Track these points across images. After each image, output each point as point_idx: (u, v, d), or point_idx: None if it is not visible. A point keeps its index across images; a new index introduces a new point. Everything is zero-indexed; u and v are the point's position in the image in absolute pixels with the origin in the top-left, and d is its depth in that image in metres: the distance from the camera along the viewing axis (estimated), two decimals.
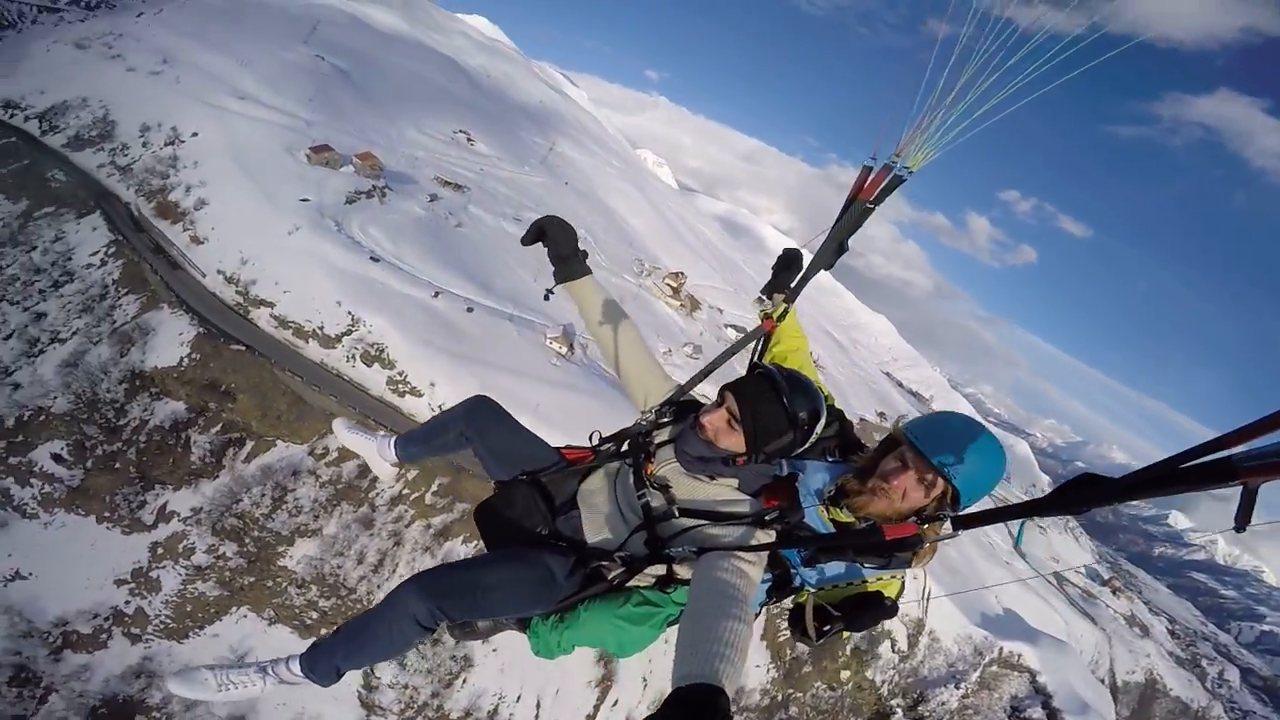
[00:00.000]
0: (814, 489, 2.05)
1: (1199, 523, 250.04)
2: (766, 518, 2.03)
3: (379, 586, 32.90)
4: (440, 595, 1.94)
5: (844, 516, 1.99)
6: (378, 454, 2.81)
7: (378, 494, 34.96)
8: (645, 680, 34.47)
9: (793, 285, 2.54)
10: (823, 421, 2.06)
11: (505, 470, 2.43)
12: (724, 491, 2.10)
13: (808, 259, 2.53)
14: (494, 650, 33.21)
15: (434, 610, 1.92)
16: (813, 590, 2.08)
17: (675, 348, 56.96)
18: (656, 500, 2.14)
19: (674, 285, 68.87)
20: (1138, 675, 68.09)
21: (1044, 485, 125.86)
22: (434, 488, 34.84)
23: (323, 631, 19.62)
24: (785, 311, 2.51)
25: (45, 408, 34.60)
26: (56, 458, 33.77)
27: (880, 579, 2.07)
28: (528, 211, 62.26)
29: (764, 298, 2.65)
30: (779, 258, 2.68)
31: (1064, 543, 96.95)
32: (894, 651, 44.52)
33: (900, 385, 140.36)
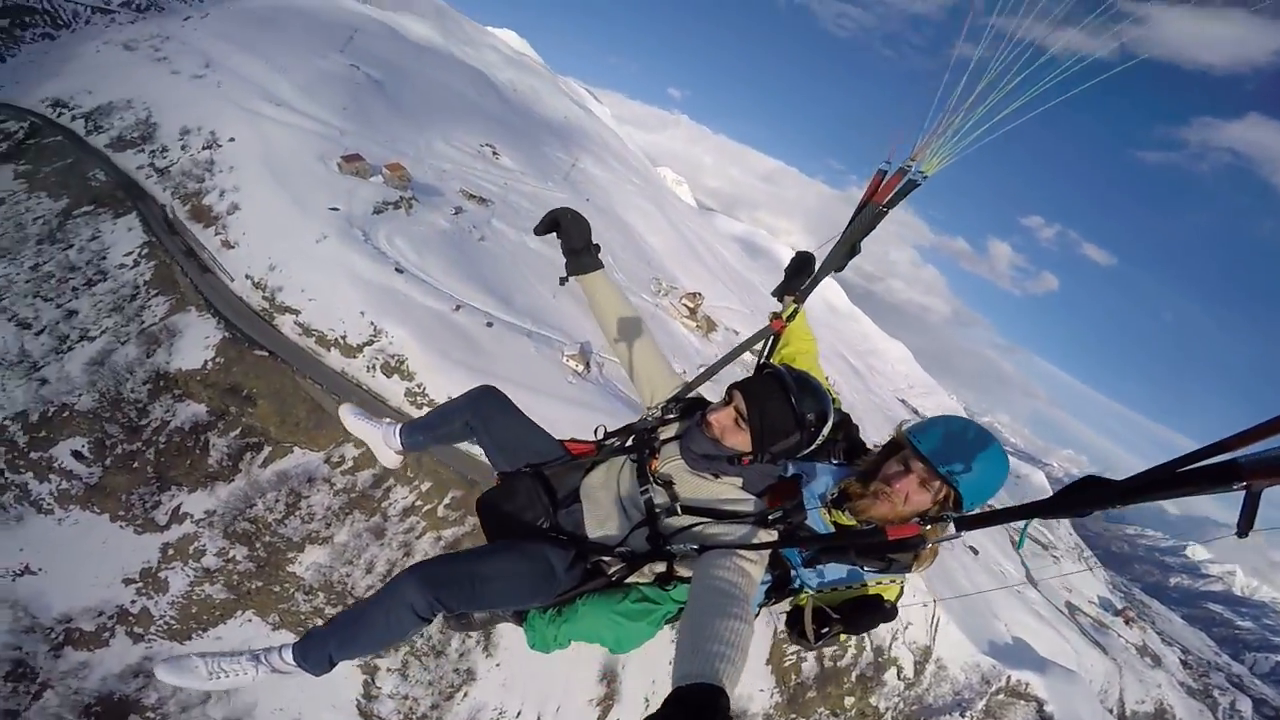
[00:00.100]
0: (817, 491, 2.04)
1: (1217, 554, 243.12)
2: (769, 518, 2.03)
3: None
4: (439, 585, 1.93)
5: (846, 519, 1.99)
6: (383, 441, 2.81)
7: (390, 504, 35.01)
8: (648, 700, 33.79)
9: (803, 287, 2.52)
10: (830, 423, 2.05)
11: (509, 461, 2.43)
12: (728, 490, 2.09)
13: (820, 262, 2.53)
14: (498, 665, 32.90)
15: (432, 601, 1.91)
16: (812, 592, 2.09)
17: (690, 369, 56.74)
18: (660, 497, 2.13)
19: (691, 306, 68.71)
20: (1147, 705, 66.89)
21: None
22: (447, 500, 34.80)
23: None
24: (795, 312, 2.49)
25: (70, 404, 35.15)
26: (77, 455, 34.22)
27: (880, 582, 2.07)
28: None
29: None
30: (791, 260, 2.66)
31: (1078, 573, 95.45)
32: (900, 679, 43.97)
33: (916, 413, 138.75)
